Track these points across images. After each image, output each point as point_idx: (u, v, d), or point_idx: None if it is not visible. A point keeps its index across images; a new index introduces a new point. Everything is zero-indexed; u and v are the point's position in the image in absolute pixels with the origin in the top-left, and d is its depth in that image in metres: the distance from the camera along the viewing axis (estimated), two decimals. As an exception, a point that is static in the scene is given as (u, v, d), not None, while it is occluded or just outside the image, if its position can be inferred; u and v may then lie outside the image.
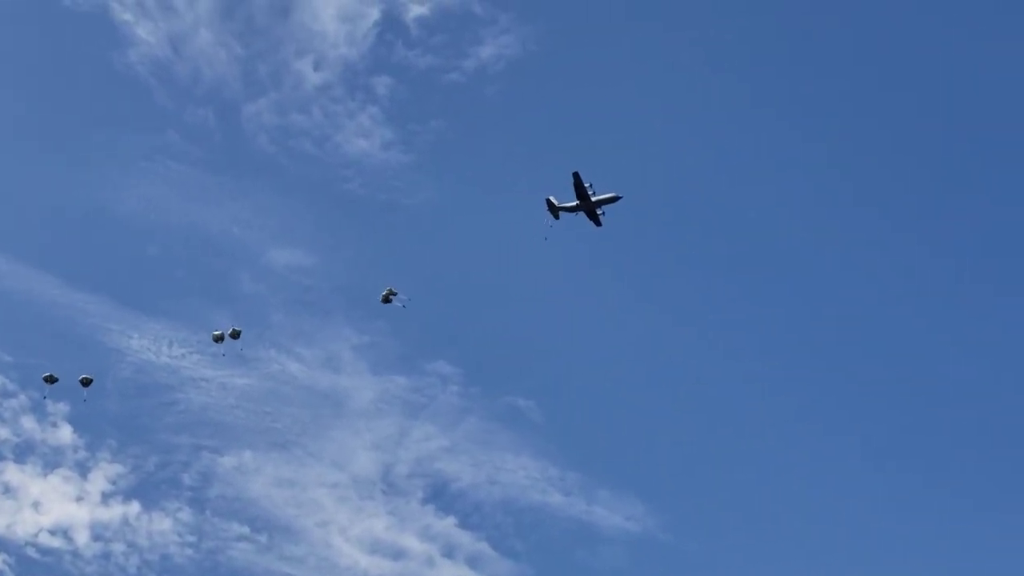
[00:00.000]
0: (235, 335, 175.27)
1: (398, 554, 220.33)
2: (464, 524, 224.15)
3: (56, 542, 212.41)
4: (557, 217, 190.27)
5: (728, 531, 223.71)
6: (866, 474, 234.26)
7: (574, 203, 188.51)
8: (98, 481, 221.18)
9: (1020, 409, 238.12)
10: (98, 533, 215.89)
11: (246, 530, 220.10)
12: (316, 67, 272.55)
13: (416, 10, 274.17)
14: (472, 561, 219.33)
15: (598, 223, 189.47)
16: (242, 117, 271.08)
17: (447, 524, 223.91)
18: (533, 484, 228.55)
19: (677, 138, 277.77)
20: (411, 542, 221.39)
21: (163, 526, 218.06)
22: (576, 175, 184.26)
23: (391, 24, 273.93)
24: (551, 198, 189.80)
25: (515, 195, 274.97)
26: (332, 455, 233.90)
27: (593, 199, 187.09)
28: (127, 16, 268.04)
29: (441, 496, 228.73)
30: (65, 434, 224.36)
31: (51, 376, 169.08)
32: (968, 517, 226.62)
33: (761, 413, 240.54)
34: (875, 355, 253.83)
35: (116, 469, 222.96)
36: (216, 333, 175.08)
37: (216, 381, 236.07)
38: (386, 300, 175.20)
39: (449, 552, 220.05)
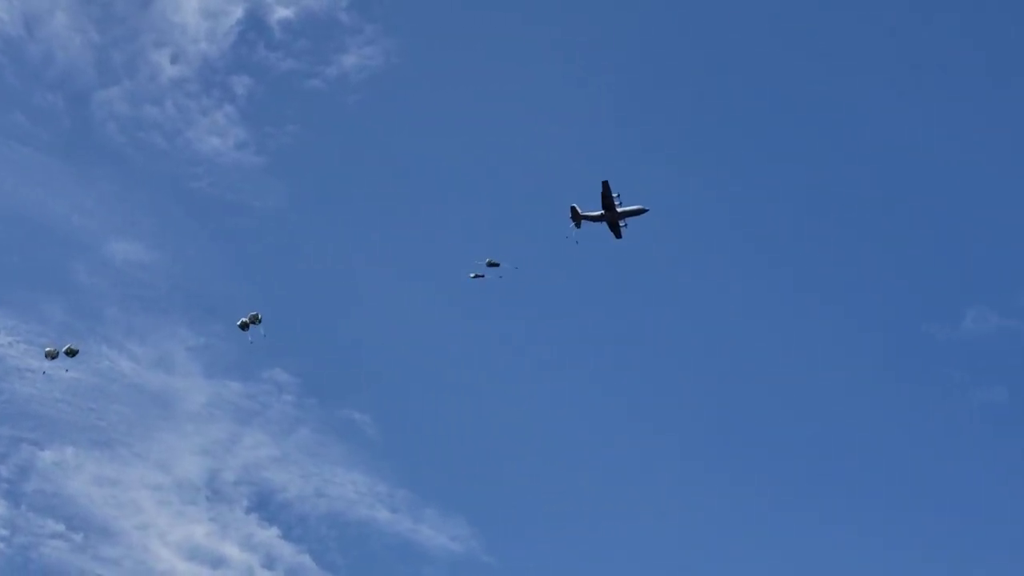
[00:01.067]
0: (71, 353, 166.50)
1: (217, 562, 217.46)
2: (287, 536, 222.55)
3: None
4: (579, 226, 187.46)
5: (551, 555, 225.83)
6: (698, 487, 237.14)
7: (599, 212, 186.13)
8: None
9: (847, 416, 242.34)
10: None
11: (61, 527, 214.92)
12: (173, 60, 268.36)
13: (281, 12, 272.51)
14: (292, 573, 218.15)
15: (618, 235, 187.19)
16: (92, 104, 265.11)
17: (270, 535, 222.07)
18: (361, 499, 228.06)
19: (535, 154, 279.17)
20: (232, 551, 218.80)
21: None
22: (605, 184, 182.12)
23: (254, 24, 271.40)
24: (576, 206, 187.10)
25: (365, 206, 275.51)
26: (157, 457, 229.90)
27: (619, 210, 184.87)
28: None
29: (266, 506, 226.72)
30: None
31: None
32: (799, 524, 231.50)
33: (594, 438, 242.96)
34: (706, 360, 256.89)
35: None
36: (49, 350, 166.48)
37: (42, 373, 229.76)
38: (244, 327, 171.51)
39: (270, 563, 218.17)
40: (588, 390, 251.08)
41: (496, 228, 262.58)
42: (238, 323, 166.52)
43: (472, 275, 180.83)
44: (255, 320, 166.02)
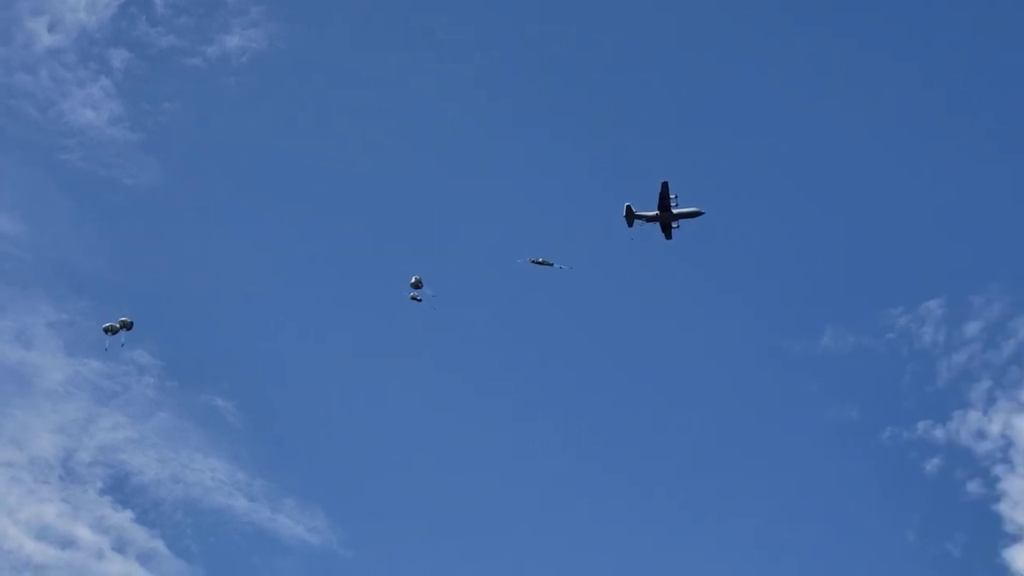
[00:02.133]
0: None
1: (67, 543, 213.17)
2: (141, 519, 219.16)
3: None
4: (631, 225, 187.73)
5: (409, 552, 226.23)
6: (569, 480, 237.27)
7: (653, 212, 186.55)
8: None
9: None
10: None
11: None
12: (50, 29, 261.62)
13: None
14: (143, 558, 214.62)
15: (669, 236, 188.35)
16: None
17: (123, 517, 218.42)
18: (219, 487, 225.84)
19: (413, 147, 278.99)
20: (83, 532, 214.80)
21: None
22: (665, 185, 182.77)
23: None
24: (630, 205, 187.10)
25: (239, 190, 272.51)
26: (11, 433, 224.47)
27: (674, 211, 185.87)
28: None
29: (121, 488, 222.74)
30: None
31: None
32: (674, 519, 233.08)
33: (461, 433, 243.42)
34: (580, 352, 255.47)
35: None
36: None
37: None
38: (112, 331, 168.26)
39: (121, 546, 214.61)
40: (454, 383, 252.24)
41: (370, 217, 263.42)
42: (105, 326, 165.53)
43: (411, 296, 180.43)
44: (126, 326, 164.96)
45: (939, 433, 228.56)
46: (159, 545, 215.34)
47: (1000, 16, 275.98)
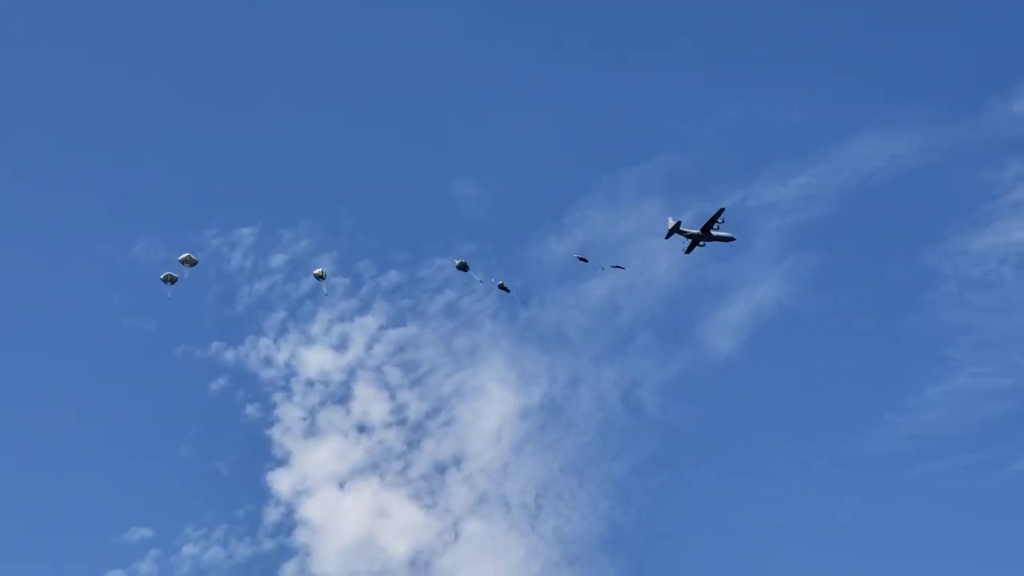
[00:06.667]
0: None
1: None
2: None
3: None
4: (667, 237, 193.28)
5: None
6: None
7: (696, 231, 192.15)
8: None
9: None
10: None
11: None
12: None
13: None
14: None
15: (689, 251, 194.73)
16: None
17: None
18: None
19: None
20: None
21: None
22: (722, 210, 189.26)
23: None
24: (679, 221, 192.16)
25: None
26: None
27: (713, 233, 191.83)
28: None
29: None
30: None
31: None
32: None
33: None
34: None
35: None
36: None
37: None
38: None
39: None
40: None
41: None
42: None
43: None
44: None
45: (230, 355, 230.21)
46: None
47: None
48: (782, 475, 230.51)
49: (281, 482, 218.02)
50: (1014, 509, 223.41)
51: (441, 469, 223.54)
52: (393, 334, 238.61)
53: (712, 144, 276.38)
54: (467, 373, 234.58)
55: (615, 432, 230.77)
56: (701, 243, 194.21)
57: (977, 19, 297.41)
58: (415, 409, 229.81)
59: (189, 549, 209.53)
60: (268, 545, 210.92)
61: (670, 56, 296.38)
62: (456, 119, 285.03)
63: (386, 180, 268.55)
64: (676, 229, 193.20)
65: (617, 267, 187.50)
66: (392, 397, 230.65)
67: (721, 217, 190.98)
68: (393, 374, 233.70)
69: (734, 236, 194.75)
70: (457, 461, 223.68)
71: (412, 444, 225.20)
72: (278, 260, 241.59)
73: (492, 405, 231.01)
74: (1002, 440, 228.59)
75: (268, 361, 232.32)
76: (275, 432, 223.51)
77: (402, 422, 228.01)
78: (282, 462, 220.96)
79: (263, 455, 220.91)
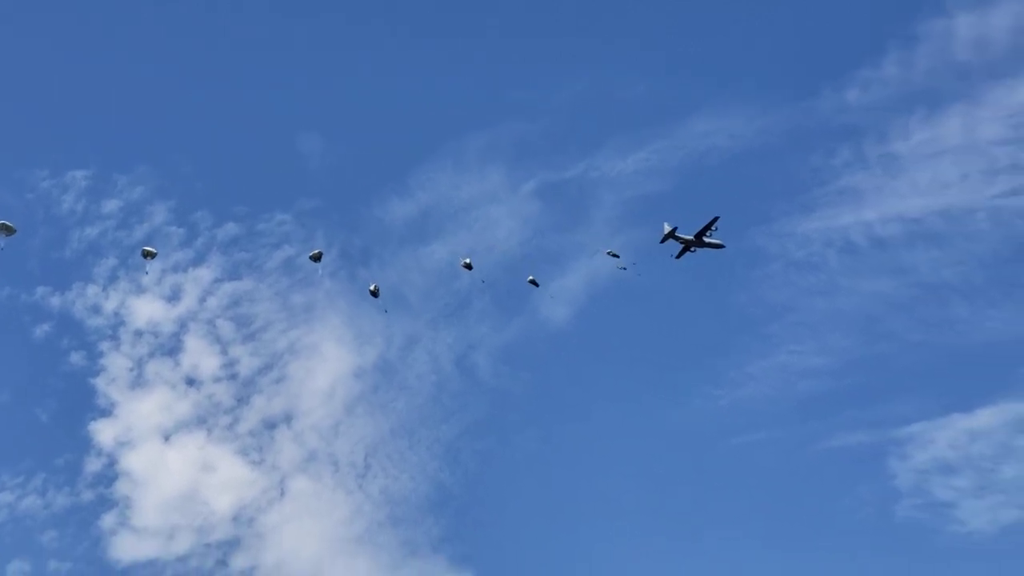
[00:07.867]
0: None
1: None
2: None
3: None
4: (663, 242, 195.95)
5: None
6: None
7: (691, 237, 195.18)
8: None
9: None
10: None
11: None
12: None
13: None
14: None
15: (679, 256, 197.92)
16: None
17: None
18: None
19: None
20: None
21: None
22: (716, 219, 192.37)
23: None
24: (674, 227, 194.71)
25: None
26: None
27: (705, 240, 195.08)
28: None
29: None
30: None
31: None
32: None
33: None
34: None
35: None
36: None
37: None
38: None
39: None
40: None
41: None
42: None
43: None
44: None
45: (56, 301, 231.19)
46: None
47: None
48: (605, 442, 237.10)
49: (104, 432, 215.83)
50: (826, 483, 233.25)
51: (270, 426, 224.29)
52: (228, 287, 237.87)
53: (558, 114, 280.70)
54: (302, 330, 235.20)
55: (447, 395, 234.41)
56: (692, 249, 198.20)
57: (816, 9, 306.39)
58: (247, 364, 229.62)
59: (4, 497, 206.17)
60: (87, 496, 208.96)
61: (523, 27, 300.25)
62: (305, 75, 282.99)
63: (229, 129, 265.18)
64: (671, 235, 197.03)
65: (623, 267, 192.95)
66: (224, 351, 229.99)
67: (715, 225, 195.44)
68: (226, 328, 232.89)
69: (724, 244, 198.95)
70: (288, 418, 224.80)
71: (242, 400, 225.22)
72: (111, 205, 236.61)
73: (326, 364, 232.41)
74: (817, 416, 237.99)
75: (96, 309, 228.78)
76: (100, 382, 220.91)
77: (233, 377, 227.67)
78: (106, 412, 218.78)
79: (86, 404, 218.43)
